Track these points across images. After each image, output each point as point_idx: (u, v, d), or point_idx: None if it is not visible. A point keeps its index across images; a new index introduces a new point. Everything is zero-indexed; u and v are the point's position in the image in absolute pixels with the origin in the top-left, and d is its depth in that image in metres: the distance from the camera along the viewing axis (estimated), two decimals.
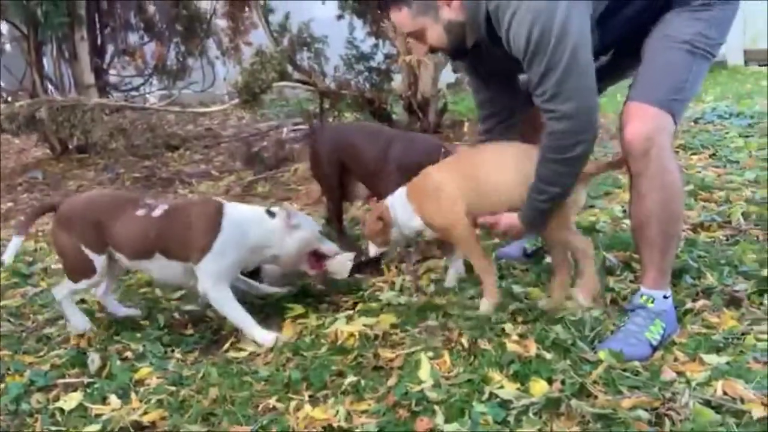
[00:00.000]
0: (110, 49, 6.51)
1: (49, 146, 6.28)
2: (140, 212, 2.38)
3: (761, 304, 2.13)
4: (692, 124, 4.43)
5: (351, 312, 2.38)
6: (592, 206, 3.18)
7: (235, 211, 2.39)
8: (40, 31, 5.43)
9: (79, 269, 2.42)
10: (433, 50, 2.24)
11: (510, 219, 2.15)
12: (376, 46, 5.55)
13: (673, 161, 2.02)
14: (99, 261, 2.39)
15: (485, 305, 2.24)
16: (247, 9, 6.36)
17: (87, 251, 2.38)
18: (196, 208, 2.42)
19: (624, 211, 2.98)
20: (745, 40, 6.44)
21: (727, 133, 4.09)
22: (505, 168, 2.16)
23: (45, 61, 6.21)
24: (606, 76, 2.15)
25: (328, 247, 2.51)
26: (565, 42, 1.86)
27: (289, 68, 5.14)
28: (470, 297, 2.37)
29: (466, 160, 2.31)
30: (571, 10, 1.88)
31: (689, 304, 2.16)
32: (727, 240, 2.65)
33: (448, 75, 5.94)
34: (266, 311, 2.50)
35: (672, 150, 2.03)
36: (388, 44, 5.47)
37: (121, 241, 2.37)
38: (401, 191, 2.34)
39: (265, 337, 2.27)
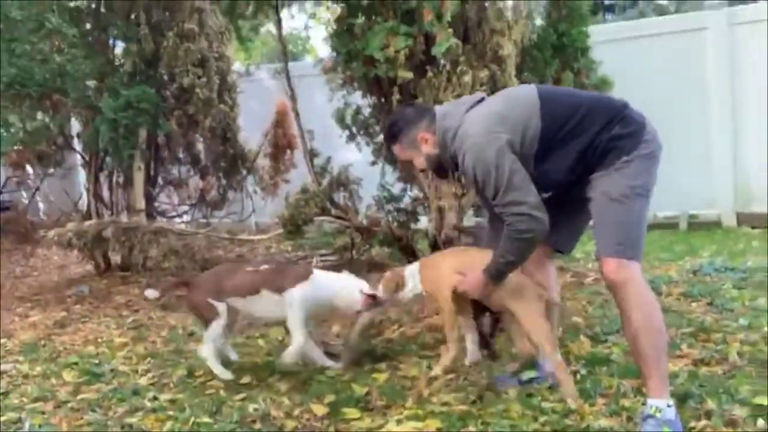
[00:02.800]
0: (160, 179, 7.15)
1: (94, 263, 6.73)
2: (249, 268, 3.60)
3: (755, 425, 2.51)
4: (691, 275, 4.92)
5: (400, 416, 2.76)
6: (605, 341, 3.61)
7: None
8: (110, 160, 6.07)
9: (209, 314, 3.39)
10: (423, 170, 3.12)
11: (475, 275, 2.86)
12: (404, 189, 6.11)
13: (646, 287, 2.60)
14: (221, 307, 3.39)
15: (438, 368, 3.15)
16: (288, 151, 7.09)
17: (212, 301, 3.39)
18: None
19: None
20: (736, 204, 7.10)
21: (722, 284, 4.56)
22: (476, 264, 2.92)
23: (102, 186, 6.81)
24: (560, 209, 2.81)
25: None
26: (501, 171, 2.60)
27: (328, 205, 5.71)
28: (504, 410, 2.76)
29: (458, 254, 3.29)
30: (498, 150, 2.61)
31: (693, 423, 2.54)
32: (725, 374, 3.04)
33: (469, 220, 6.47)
34: None
35: (643, 278, 2.60)
36: (416, 188, 6.06)
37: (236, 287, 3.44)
38: (415, 265, 3.32)
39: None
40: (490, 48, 4.49)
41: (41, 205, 9.74)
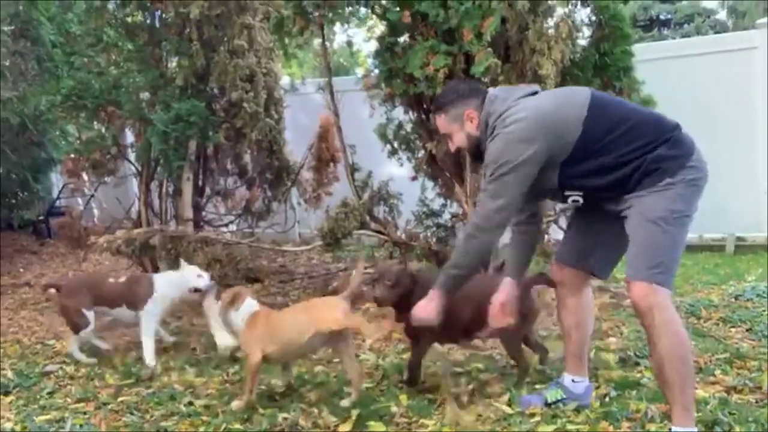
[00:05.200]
0: (208, 189, 7.36)
1: (141, 269, 6.96)
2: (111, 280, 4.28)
3: None
4: (733, 300, 4.81)
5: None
6: (637, 363, 3.58)
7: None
8: (160, 170, 6.30)
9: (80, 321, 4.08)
10: (458, 150, 3.00)
11: (421, 305, 2.88)
12: (444, 205, 6.17)
13: (674, 314, 2.57)
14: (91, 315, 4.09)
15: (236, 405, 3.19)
16: (331, 164, 7.21)
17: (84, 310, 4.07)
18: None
19: None
20: None
21: (764, 310, 4.46)
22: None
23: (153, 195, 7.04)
24: (598, 233, 2.85)
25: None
26: (511, 172, 2.60)
27: (368, 219, 5.80)
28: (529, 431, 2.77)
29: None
30: (524, 160, 2.59)
31: None
32: (757, 402, 2.98)
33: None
34: None
35: (671, 305, 2.56)
36: (455, 205, 6.10)
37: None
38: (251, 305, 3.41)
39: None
40: (530, 67, 4.52)
41: (95, 212, 10.14)
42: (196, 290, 4.06)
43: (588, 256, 2.88)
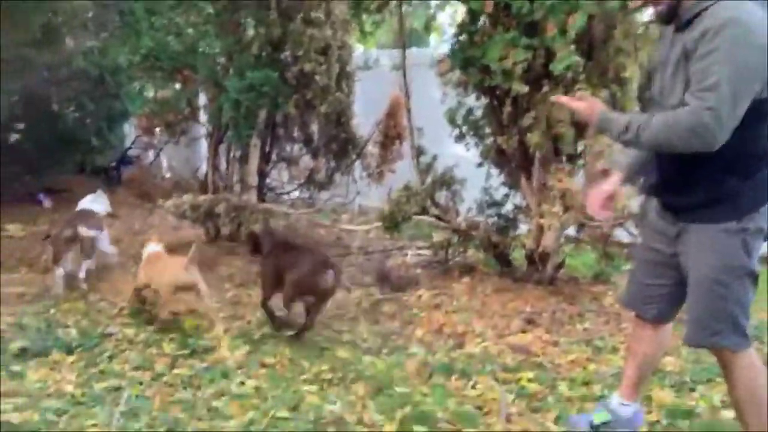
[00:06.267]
0: (274, 155, 7.42)
1: (205, 230, 7.11)
2: None
3: None
4: None
5: None
6: (693, 389, 3.46)
7: None
8: (229, 136, 6.39)
9: None
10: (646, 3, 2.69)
11: (593, 103, 2.53)
12: (507, 195, 6.05)
13: (754, 355, 2.44)
14: None
15: None
16: (397, 142, 7.16)
17: None
18: None
19: (722, 401, 3.24)
20: None
21: None
22: None
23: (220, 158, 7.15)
24: None
25: None
26: (739, 69, 2.16)
27: (429, 203, 5.74)
28: None
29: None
30: (756, 60, 2.17)
31: None
32: None
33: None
34: None
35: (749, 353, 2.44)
36: (519, 196, 5.98)
37: None
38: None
39: None
40: (613, 68, 4.34)
41: (164, 164, 10.40)
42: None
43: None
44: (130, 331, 4.10)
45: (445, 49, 5.58)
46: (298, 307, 4.19)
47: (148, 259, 4.59)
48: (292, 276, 4.02)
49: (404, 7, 5.57)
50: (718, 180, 2.33)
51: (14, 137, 9.20)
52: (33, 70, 7.67)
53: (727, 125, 2.19)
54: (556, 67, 4.23)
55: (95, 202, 5.57)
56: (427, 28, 6.51)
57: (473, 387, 3.45)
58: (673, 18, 2.38)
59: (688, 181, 2.40)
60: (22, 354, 3.62)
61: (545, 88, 4.42)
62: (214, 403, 3.16)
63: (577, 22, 4.11)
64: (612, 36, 4.34)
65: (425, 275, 5.72)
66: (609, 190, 2.67)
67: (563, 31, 4.19)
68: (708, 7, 2.25)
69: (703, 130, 2.18)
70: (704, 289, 2.39)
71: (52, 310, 4.51)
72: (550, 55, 4.37)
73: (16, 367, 3.43)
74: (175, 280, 4.25)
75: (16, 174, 8.77)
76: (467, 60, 4.75)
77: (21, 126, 9.04)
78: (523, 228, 5.89)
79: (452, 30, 5.26)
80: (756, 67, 2.19)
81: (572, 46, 4.20)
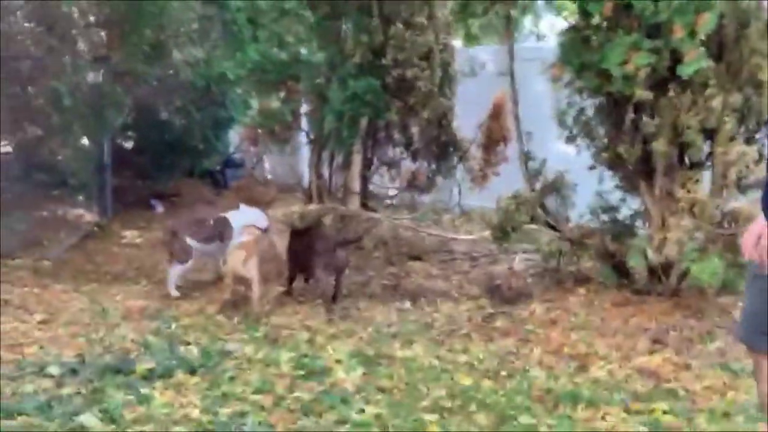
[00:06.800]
0: (375, 159, 7.40)
1: None
2: None
3: None
4: None
5: None
6: None
7: None
8: (331, 143, 6.41)
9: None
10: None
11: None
12: (623, 199, 5.74)
13: None
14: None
15: None
16: (501, 144, 6.96)
17: None
18: None
19: None
20: None
21: None
22: None
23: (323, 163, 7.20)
24: None
25: None
26: None
27: (539, 211, 5.54)
28: None
29: None
30: None
31: None
32: None
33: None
34: None
35: None
36: (638, 201, 5.65)
37: None
38: None
39: None
40: (747, 70, 4.00)
41: (267, 166, 10.63)
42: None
43: None
44: (248, 349, 4.16)
45: (550, 46, 5.34)
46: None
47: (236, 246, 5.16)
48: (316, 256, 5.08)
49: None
50: None
51: (127, 146, 9.65)
52: (143, 82, 7.98)
53: None
54: (684, 71, 3.95)
55: (258, 219, 5.63)
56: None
57: (603, 418, 3.27)
58: None
59: None
60: (149, 375, 3.72)
61: (671, 93, 4.13)
62: (336, 430, 3.14)
63: (707, 22, 3.80)
64: (745, 36, 3.99)
65: (536, 285, 5.53)
66: (758, 233, 2.41)
67: (692, 33, 3.89)
68: None
69: None
70: None
71: (173, 325, 4.64)
72: (676, 58, 4.07)
73: (144, 390, 3.53)
74: (233, 269, 4.97)
75: (130, 181, 9.20)
76: (583, 65, 4.51)
77: (133, 135, 9.46)
78: (641, 234, 5.58)
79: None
80: None
81: (702, 49, 3.89)
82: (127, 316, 4.81)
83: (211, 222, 5.64)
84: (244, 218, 5.55)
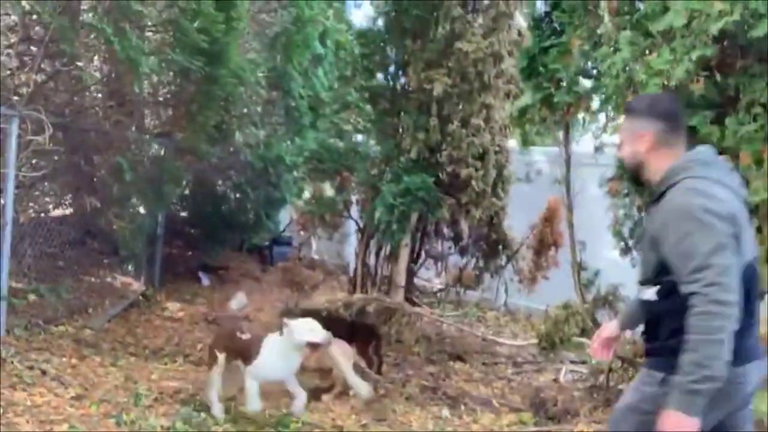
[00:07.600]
0: (422, 254, 7.34)
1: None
2: None
3: None
4: None
5: None
6: None
7: None
8: (380, 234, 6.40)
9: None
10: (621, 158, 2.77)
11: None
12: None
13: None
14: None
15: None
16: (552, 249, 6.84)
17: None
18: None
19: None
20: None
21: None
22: None
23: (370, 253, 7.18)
24: None
25: None
26: (710, 233, 2.21)
27: (590, 323, 5.35)
28: None
29: None
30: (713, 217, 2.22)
31: None
32: None
33: None
34: None
35: None
36: None
37: None
38: None
39: None
40: None
41: (314, 246, 10.70)
42: (312, 345, 4.20)
43: None
44: None
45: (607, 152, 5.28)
46: None
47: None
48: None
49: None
50: None
51: (181, 216, 9.85)
52: (204, 159, 8.20)
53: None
54: (753, 200, 3.79)
55: (314, 332, 4.46)
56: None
57: None
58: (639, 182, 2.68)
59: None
60: None
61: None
62: None
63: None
64: None
65: (583, 402, 5.26)
66: (606, 336, 2.78)
67: (759, 161, 3.77)
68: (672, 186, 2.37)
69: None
70: None
71: (203, 414, 4.55)
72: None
73: None
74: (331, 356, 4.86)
75: (180, 251, 9.33)
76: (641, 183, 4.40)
77: (188, 207, 9.67)
78: None
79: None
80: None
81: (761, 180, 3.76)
82: (160, 399, 4.75)
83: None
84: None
